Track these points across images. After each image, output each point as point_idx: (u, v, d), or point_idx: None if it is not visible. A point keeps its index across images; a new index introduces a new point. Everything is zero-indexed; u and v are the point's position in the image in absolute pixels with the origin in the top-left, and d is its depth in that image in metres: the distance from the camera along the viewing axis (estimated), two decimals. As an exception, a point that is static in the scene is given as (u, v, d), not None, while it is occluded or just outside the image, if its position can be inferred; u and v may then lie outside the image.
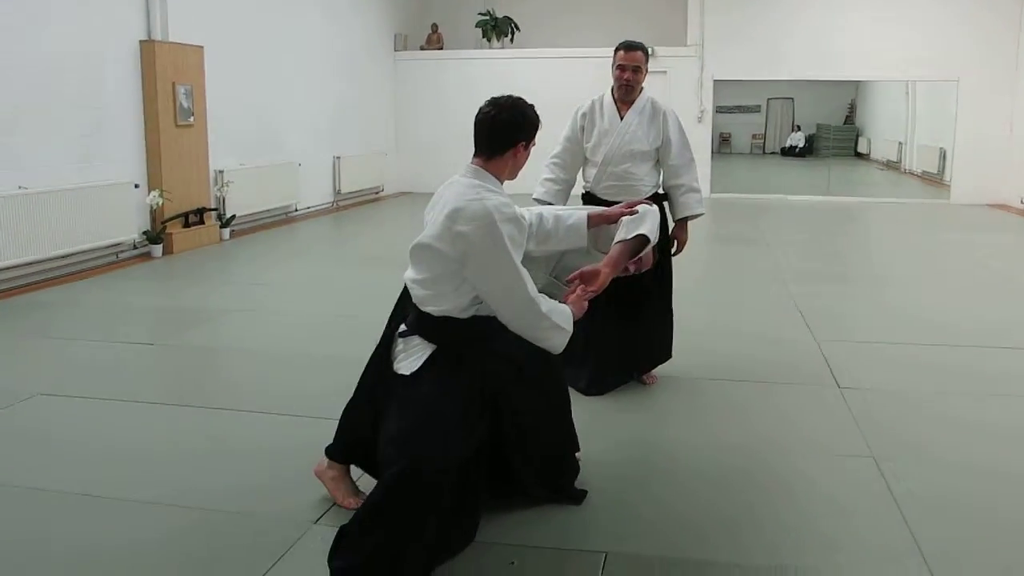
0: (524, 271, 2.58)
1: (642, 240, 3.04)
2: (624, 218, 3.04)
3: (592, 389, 4.08)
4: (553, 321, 2.64)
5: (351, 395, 2.94)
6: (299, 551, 2.64)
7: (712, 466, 3.33)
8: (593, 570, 2.55)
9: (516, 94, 2.73)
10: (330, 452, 2.97)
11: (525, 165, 2.79)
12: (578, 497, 2.98)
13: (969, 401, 4.10)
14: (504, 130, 2.65)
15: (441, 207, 2.59)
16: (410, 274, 2.69)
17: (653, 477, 3.24)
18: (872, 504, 3.00)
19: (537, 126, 2.72)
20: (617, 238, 3.03)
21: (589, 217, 3.03)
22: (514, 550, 2.66)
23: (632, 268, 3.23)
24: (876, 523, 2.86)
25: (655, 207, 3.17)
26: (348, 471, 2.98)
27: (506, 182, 2.76)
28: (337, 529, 2.56)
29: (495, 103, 2.67)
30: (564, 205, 3.83)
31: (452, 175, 2.72)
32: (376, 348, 2.84)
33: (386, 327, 2.84)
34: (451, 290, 2.58)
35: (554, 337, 2.66)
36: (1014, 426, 3.80)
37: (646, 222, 3.03)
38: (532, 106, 2.72)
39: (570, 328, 2.70)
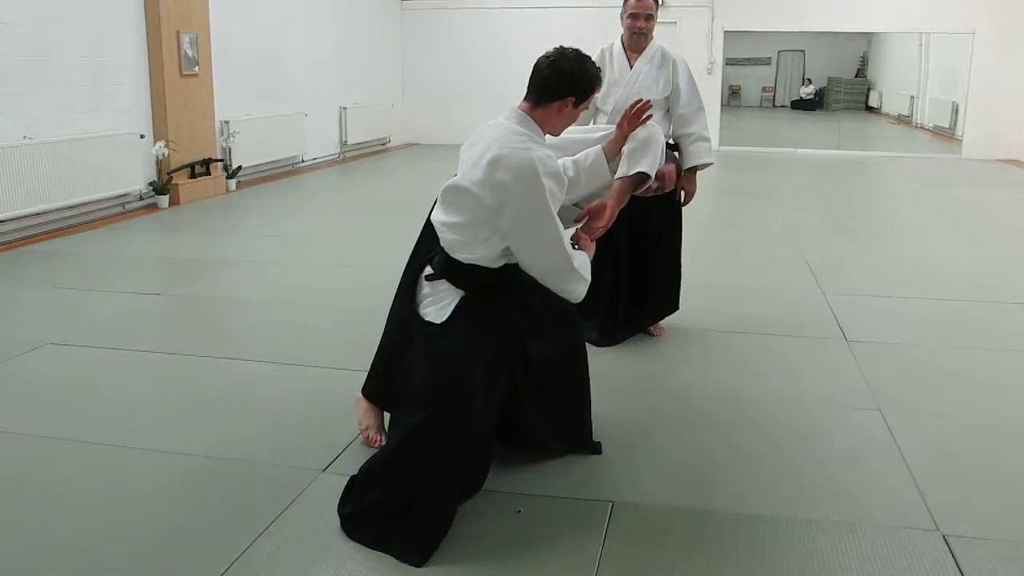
0: (561, 225, 2.54)
1: (642, 177, 3.04)
2: (624, 149, 3.04)
3: (603, 340, 4.10)
4: (581, 273, 2.63)
5: (379, 338, 2.97)
6: (307, 499, 2.66)
7: (719, 417, 3.34)
8: (600, 519, 2.57)
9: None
10: (364, 390, 3.03)
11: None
12: (596, 448, 2.98)
13: (975, 356, 4.10)
14: (559, 78, 2.55)
15: (483, 150, 2.50)
16: (440, 216, 2.61)
17: (661, 427, 3.25)
18: (878, 456, 3.01)
19: (593, 88, 2.63)
20: (619, 173, 3.03)
21: (604, 151, 3.01)
22: (521, 498, 2.67)
23: (654, 186, 3.25)
24: (882, 475, 2.87)
25: (656, 128, 3.15)
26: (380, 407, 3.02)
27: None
28: (347, 479, 2.59)
29: (560, 51, 2.59)
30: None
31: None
32: (399, 288, 2.82)
33: (407, 268, 2.82)
34: (483, 239, 2.51)
35: (579, 287, 2.65)
36: (1019, 381, 3.80)
37: (646, 156, 3.03)
38: (598, 68, 2.65)
39: (589, 277, 2.69)
